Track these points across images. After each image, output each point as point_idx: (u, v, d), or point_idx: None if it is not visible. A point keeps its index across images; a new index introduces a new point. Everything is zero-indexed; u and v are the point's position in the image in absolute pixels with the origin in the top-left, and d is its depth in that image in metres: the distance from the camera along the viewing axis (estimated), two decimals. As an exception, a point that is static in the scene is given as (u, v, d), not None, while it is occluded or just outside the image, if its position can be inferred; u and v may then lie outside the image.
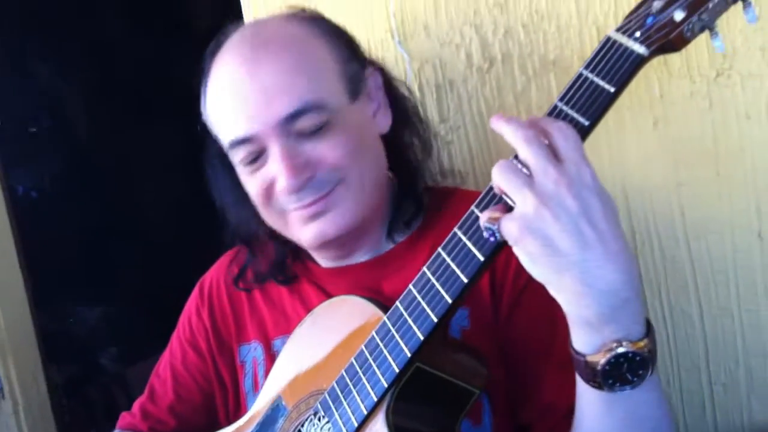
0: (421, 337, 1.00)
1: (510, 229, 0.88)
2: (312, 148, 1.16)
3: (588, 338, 0.91)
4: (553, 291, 0.90)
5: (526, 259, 0.89)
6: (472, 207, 0.96)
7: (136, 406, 1.50)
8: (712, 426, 1.42)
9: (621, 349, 0.88)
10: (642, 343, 0.89)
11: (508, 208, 0.91)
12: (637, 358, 0.89)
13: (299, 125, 1.15)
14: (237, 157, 1.21)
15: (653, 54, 0.90)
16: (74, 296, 2.71)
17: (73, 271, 2.68)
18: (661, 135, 1.36)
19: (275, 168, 1.16)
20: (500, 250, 0.95)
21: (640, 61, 0.90)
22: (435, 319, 0.99)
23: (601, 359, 0.89)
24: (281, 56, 1.18)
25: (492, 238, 0.91)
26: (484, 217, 0.92)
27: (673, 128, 1.35)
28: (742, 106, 1.30)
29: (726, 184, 1.33)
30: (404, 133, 1.33)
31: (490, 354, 1.17)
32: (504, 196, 0.92)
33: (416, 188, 1.32)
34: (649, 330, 0.91)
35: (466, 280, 0.96)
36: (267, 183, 1.19)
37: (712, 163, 1.33)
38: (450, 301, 0.98)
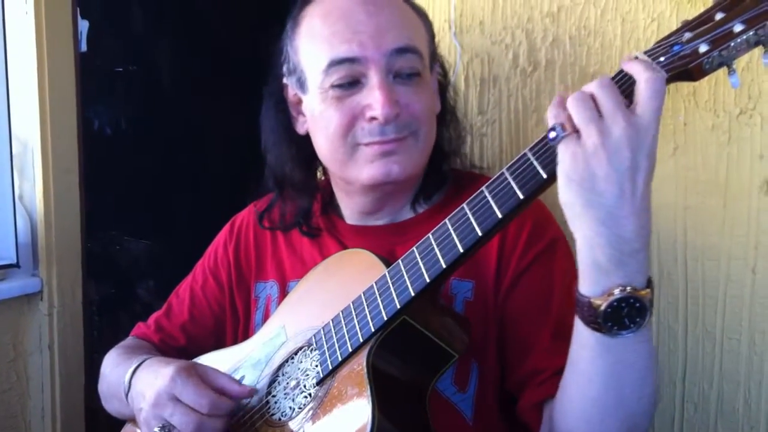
0: (413, 293, 1.10)
1: (566, 149, 0.94)
2: (403, 92, 1.27)
3: (596, 280, 0.96)
4: (575, 221, 0.96)
5: (565, 181, 0.94)
6: (527, 151, 1.02)
7: (151, 318, 1.61)
8: (678, 441, 1.47)
9: (624, 294, 0.95)
10: (644, 292, 0.96)
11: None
12: (637, 305, 0.95)
13: (400, 63, 1.26)
14: (331, 78, 1.25)
15: (671, 79, 0.97)
16: (124, 227, 2.85)
17: (128, 205, 2.81)
18: (678, 160, 1.42)
19: (372, 96, 1.24)
20: (498, 229, 1.04)
21: None
22: (428, 280, 1.09)
23: (605, 302, 0.95)
24: (394, 3, 1.30)
25: (552, 140, 0.96)
26: (561, 117, 0.96)
27: (691, 156, 1.41)
28: (758, 146, 1.35)
29: (730, 216, 1.38)
30: (441, 125, 1.43)
31: (488, 326, 1.26)
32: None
33: (440, 169, 1.41)
34: (650, 283, 0.97)
35: (462, 250, 1.05)
36: (356, 111, 1.26)
37: (721, 194, 1.39)
38: (444, 266, 1.07)
